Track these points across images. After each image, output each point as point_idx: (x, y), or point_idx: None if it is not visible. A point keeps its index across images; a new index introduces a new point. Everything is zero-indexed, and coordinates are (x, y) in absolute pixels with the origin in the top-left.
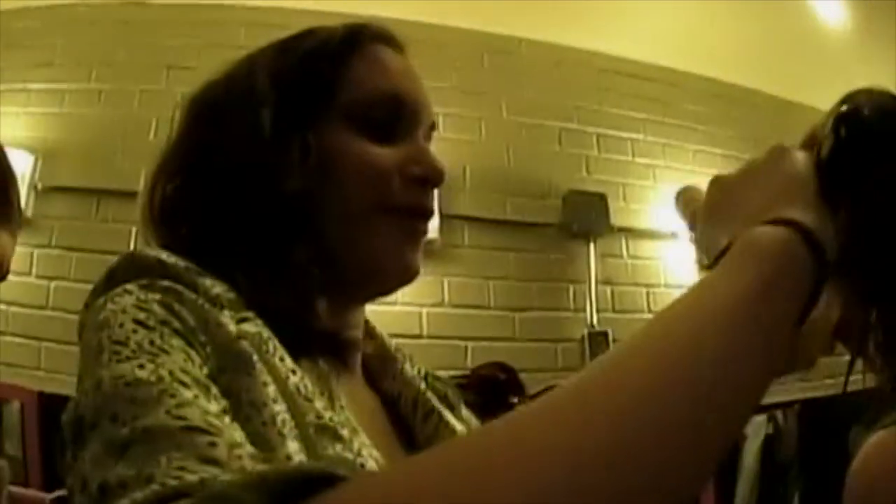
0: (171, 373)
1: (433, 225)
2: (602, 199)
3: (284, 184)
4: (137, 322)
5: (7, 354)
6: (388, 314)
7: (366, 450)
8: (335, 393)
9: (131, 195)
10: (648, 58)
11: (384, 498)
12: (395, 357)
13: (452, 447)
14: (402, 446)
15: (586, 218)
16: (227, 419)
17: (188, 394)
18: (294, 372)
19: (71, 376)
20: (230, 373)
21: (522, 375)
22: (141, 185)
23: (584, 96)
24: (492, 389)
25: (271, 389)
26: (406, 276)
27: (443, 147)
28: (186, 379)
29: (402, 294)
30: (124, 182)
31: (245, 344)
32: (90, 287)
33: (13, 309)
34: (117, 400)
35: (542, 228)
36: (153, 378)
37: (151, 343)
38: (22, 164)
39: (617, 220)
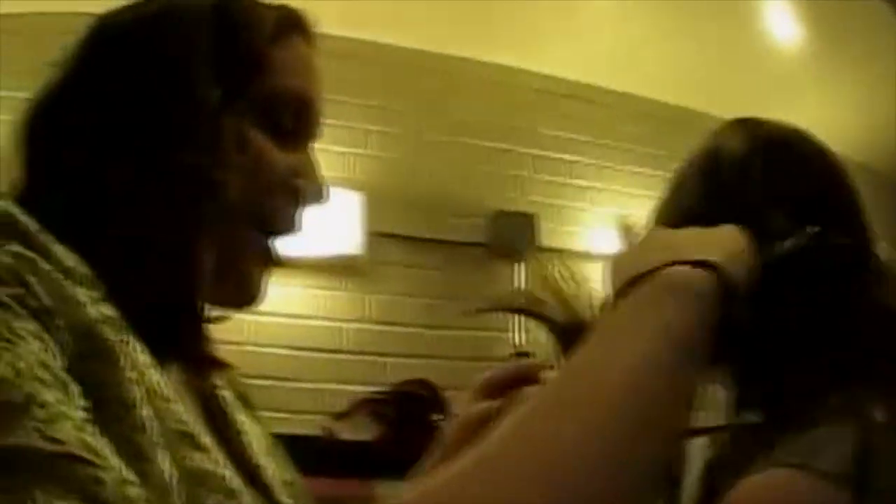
0: (30, 367)
1: (357, 241)
2: (529, 219)
3: (214, 169)
4: None
5: None
6: (309, 328)
7: (222, 458)
8: (182, 392)
9: None
10: (585, 78)
11: None
12: None
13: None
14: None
15: (513, 239)
16: (91, 428)
17: (51, 398)
18: (153, 367)
19: None
20: (92, 362)
21: (446, 393)
22: None
23: (520, 116)
24: (413, 406)
25: (138, 387)
26: (244, 299)
27: (371, 163)
28: (46, 376)
29: (324, 309)
30: None
31: (108, 330)
32: None
33: None
34: None
35: (469, 248)
36: (10, 373)
37: (9, 327)
38: None
39: (549, 241)
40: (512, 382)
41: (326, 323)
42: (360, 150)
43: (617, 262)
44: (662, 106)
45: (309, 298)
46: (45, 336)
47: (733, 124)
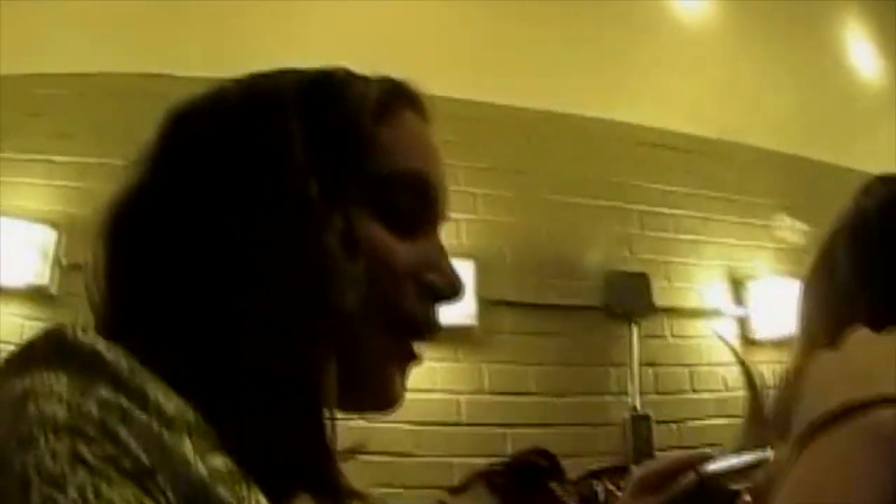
0: None
1: (471, 311)
2: (644, 278)
3: (325, 277)
4: (76, 456)
5: None
6: (424, 402)
7: None
8: None
9: None
10: (684, 128)
11: None
12: None
13: None
14: None
15: (628, 299)
16: None
17: None
18: None
19: None
20: None
21: (564, 461)
22: None
23: (624, 171)
24: (531, 476)
25: None
26: (386, 403)
27: (480, 228)
28: None
29: (439, 381)
30: None
31: (221, 487)
32: None
33: None
34: None
35: (584, 311)
36: None
37: (97, 494)
38: (43, 239)
39: (660, 299)
40: (669, 475)
41: (442, 395)
42: (468, 216)
43: (819, 367)
44: (764, 153)
45: (423, 371)
46: (146, 501)
47: (875, 182)
